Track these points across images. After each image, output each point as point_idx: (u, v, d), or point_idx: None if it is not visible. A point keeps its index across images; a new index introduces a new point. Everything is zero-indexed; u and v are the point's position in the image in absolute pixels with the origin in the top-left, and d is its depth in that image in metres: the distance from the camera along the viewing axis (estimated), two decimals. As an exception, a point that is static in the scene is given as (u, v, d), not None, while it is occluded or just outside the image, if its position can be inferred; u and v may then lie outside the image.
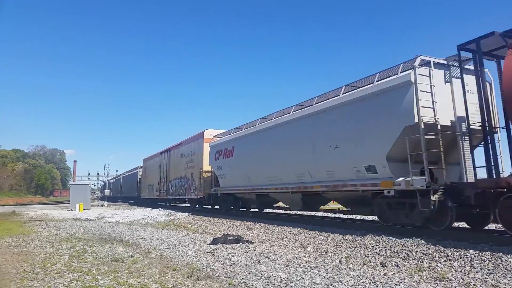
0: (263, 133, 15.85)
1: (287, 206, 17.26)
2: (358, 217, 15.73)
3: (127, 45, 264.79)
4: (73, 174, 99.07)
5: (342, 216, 16.72)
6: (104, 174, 68.24)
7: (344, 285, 5.47)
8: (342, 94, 11.65)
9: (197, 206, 25.65)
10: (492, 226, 11.64)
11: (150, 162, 38.05)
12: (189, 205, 28.02)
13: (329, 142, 11.70)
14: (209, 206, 24.20)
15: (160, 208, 29.63)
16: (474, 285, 5.27)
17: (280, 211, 22.24)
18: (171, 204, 34.12)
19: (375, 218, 14.80)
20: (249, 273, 6.39)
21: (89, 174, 73.50)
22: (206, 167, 22.04)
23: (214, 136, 21.69)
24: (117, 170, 75.30)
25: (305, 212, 18.45)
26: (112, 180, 68.78)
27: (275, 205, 20.21)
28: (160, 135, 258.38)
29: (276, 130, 14.94)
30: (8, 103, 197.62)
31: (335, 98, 11.92)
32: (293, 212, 19.20)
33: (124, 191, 56.42)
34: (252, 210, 20.04)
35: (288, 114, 14.28)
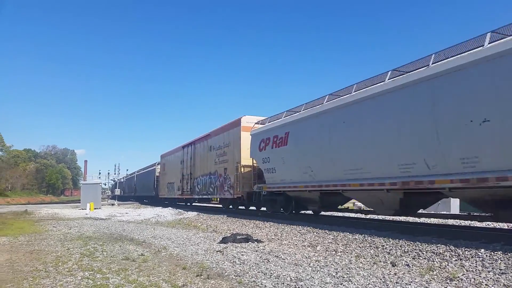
0: (337, 112, 12.09)
1: (369, 209, 13.72)
2: (368, 216, 15.64)
3: (138, 45, 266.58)
4: (84, 174, 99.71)
5: (352, 215, 16.60)
6: (115, 174, 68.81)
7: (354, 284, 5.44)
8: (489, 43, 7.88)
9: (231, 206, 22.90)
10: (504, 226, 11.53)
11: (170, 158, 34.79)
12: (220, 205, 25.67)
13: (468, 115, 8.00)
14: (245, 207, 22.05)
15: (170, 207, 29.77)
16: (486, 285, 5.20)
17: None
18: (195, 204, 32.32)
19: (386, 217, 14.60)
20: (259, 272, 6.39)
21: (99, 173, 74.05)
22: (245, 160, 18.73)
23: (255, 123, 18.32)
24: (127, 170, 75.98)
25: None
26: (122, 180, 69.22)
27: (340, 207, 16.48)
28: (171, 135, 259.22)
29: (361, 107, 11.07)
30: (20, 103, 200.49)
31: (477, 50, 8.08)
32: (307, 212, 17.21)
33: (139, 190, 53.36)
34: (306, 212, 16.94)
35: (382, 83, 10.43)
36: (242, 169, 18.92)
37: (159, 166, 39.41)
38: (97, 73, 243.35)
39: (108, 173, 71.57)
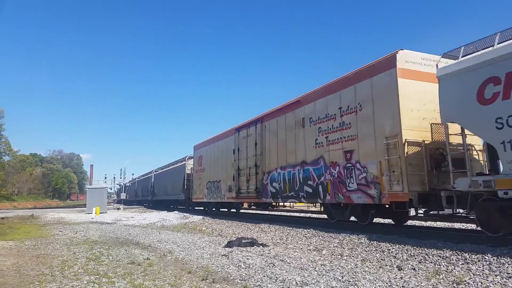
0: None
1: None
2: (374, 220, 15.57)
3: (146, 48, 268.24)
4: (90, 178, 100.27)
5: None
6: (121, 178, 68.93)
7: (360, 288, 5.42)
8: None
9: (368, 220, 12.52)
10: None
11: (211, 148, 25.31)
12: (324, 215, 15.73)
13: None
14: (393, 221, 13.15)
15: (175, 211, 29.76)
16: (493, 289, 5.17)
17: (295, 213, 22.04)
18: (271, 214, 23.69)
19: (391, 221, 14.59)
20: (264, 276, 6.39)
21: (105, 178, 74.44)
22: (409, 133, 10.37)
23: (425, 63, 10.95)
24: (133, 174, 76.00)
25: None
26: (128, 184, 69.32)
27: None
28: (177, 139, 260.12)
29: None
30: (26, 108, 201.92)
31: None
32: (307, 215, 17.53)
33: (158, 192, 43.27)
34: None
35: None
36: (407, 149, 10.27)
37: (190, 161, 30.40)
38: (104, 76, 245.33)
39: (114, 178, 71.83)
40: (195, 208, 31.10)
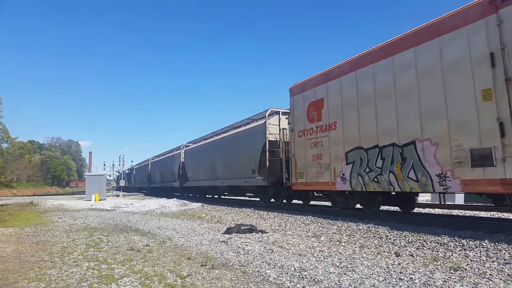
0: None
1: None
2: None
3: (145, 38, 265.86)
4: (89, 165, 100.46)
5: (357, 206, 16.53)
6: (120, 165, 68.88)
7: (358, 274, 5.46)
8: None
9: None
10: (509, 216, 11.50)
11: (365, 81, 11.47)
12: None
13: None
14: None
15: (174, 198, 29.84)
16: (490, 274, 5.21)
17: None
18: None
19: (391, 208, 14.72)
20: (263, 262, 6.42)
21: (104, 165, 74.38)
22: None
23: None
24: (131, 161, 75.91)
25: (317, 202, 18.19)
26: (127, 171, 69.32)
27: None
28: (174, 128, 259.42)
29: None
30: (24, 95, 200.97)
31: None
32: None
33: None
34: None
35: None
36: None
37: (274, 127, 17.55)
38: (102, 65, 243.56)
39: (113, 165, 71.76)
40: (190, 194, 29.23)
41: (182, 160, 31.20)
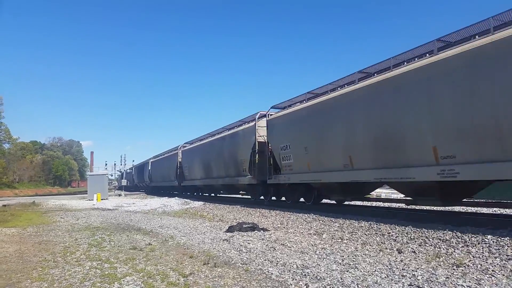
0: None
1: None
2: (374, 204, 15.64)
3: (146, 36, 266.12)
4: (90, 165, 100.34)
5: (358, 203, 16.58)
6: (121, 165, 68.92)
7: (360, 271, 5.46)
8: None
9: None
10: (511, 212, 11.48)
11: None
12: None
13: None
14: None
15: (176, 197, 29.85)
16: (492, 270, 5.20)
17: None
18: None
19: (392, 204, 14.73)
20: (265, 260, 6.43)
21: (106, 164, 74.40)
22: None
23: None
24: (133, 160, 75.95)
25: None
26: (128, 171, 69.36)
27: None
28: (176, 126, 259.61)
29: None
30: (25, 95, 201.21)
31: None
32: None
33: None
34: None
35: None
36: None
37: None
38: (104, 63, 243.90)
39: (115, 164, 71.79)
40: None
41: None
